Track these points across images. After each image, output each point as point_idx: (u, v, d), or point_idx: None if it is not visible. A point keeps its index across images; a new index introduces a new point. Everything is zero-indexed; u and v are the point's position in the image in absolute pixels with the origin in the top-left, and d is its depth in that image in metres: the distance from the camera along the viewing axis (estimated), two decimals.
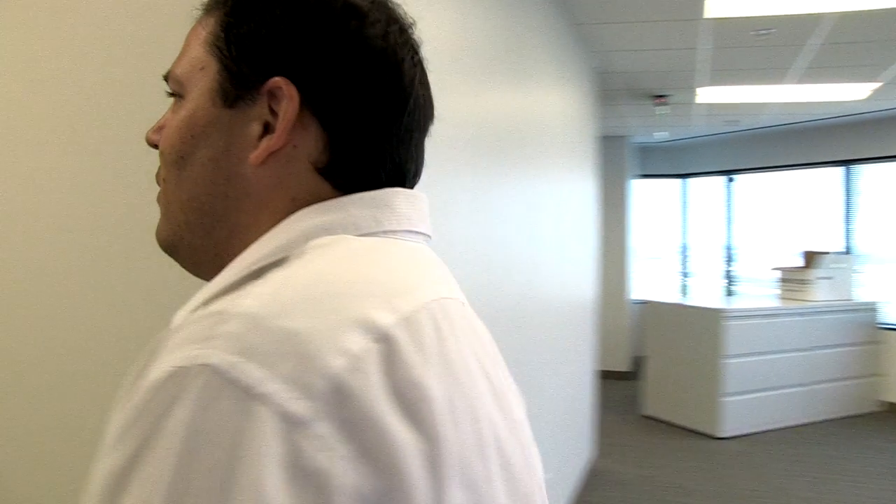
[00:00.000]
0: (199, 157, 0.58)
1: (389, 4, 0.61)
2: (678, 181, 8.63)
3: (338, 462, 0.37)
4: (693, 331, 5.57)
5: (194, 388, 0.38)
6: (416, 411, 0.41)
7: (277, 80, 0.55)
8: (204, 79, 0.58)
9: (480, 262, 2.43)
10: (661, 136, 8.06)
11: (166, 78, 0.61)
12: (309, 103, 0.56)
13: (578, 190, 4.49)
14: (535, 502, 0.53)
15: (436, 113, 0.65)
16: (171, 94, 0.61)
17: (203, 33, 0.59)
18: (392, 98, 0.58)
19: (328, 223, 0.54)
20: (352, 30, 0.56)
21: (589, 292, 4.81)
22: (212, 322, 0.41)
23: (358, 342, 0.41)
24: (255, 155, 0.56)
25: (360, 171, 0.58)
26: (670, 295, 7.93)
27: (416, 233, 0.59)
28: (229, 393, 0.38)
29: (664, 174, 8.62)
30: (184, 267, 0.62)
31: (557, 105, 3.88)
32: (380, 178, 0.58)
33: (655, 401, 5.84)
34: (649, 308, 6.13)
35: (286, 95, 0.55)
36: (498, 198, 2.69)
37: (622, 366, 7.51)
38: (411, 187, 0.62)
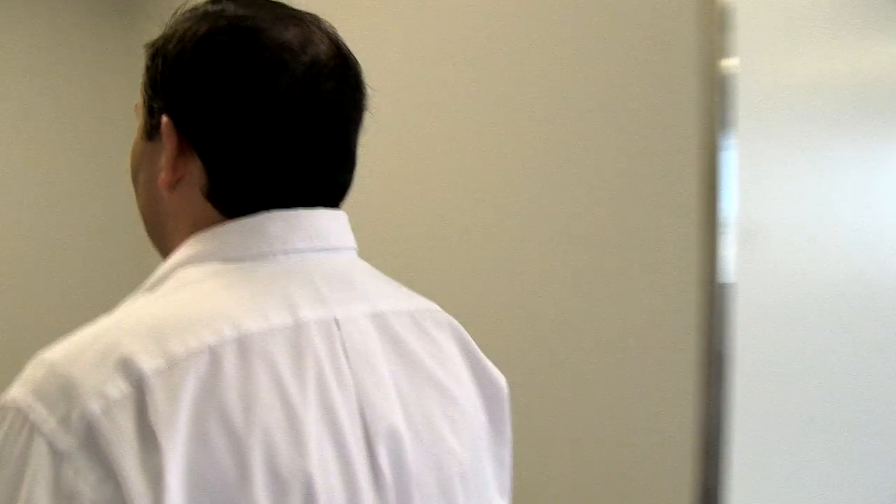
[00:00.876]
0: (140, 179, 0.70)
1: (260, 25, 0.63)
2: None
3: (88, 485, 0.48)
4: None
5: (6, 421, 0.51)
6: (148, 454, 0.49)
7: (164, 118, 0.64)
8: (139, 115, 0.69)
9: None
10: None
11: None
12: (186, 136, 0.64)
13: None
14: None
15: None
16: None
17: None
18: (266, 126, 0.62)
19: (201, 252, 0.63)
20: (217, 67, 0.62)
21: None
22: (33, 367, 0.53)
23: (117, 388, 0.51)
24: (160, 184, 0.66)
25: (239, 196, 0.64)
26: None
27: (297, 251, 0.64)
28: (25, 428, 0.50)
29: None
30: None
31: None
32: (264, 200, 0.64)
33: None
34: None
35: (166, 132, 0.64)
36: None
37: None
38: (321, 197, 0.67)
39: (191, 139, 0.64)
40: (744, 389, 1.29)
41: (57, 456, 0.49)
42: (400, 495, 0.62)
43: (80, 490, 0.48)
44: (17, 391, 0.52)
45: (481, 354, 0.76)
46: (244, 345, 0.56)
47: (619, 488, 1.42)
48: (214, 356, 0.54)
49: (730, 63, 1.28)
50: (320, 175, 0.66)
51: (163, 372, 0.52)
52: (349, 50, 0.70)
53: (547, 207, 1.54)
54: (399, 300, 0.71)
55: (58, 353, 0.53)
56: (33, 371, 0.53)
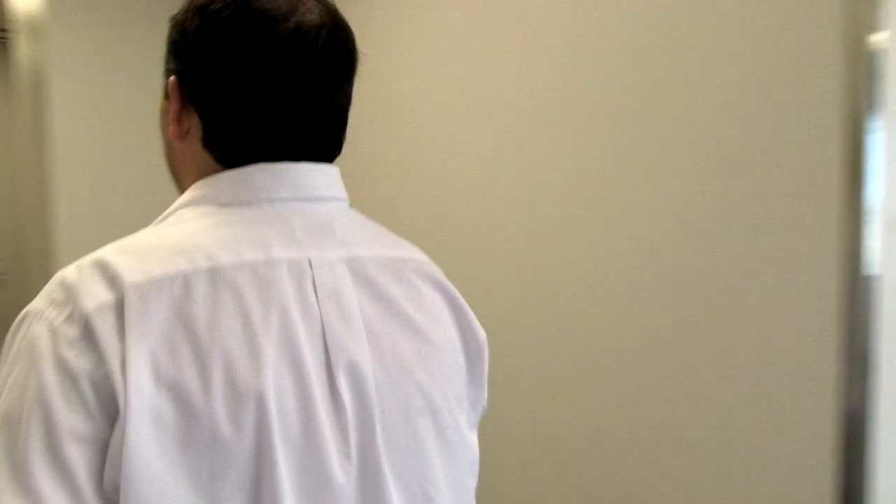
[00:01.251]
0: (163, 134, 0.79)
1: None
2: None
3: (86, 366, 0.60)
4: None
5: (26, 321, 0.64)
6: (124, 349, 0.60)
7: (171, 79, 0.74)
8: (163, 79, 0.77)
9: None
10: None
11: None
12: (187, 93, 0.72)
13: None
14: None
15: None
16: None
17: None
18: (250, 85, 0.70)
19: (198, 196, 0.72)
20: (212, 31, 0.70)
21: None
22: (50, 282, 0.66)
23: (106, 295, 0.62)
24: (170, 135, 0.76)
25: (230, 148, 0.72)
26: None
27: (280, 200, 0.72)
28: (42, 324, 0.62)
29: None
30: None
31: None
32: (252, 153, 0.71)
33: None
34: None
35: (171, 89, 0.73)
36: None
37: None
38: (311, 149, 0.74)
39: (190, 95, 0.72)
40: (890, 387, 1.22)
41: (64, 343, 0.61)
42: (361, 424, 0.68)
43: (80, 369, 0.60)
44: (37, 301, 0.66)
45: (467, 308, 0.82)
46: (215, 274, 0.65)
47: (758, 489, 1.37)
48: (187, 281, 0.64)
49: (878, 38, 1.19)
50: (304, 132, 0.72)
51: (141, 286, 0.62)
52: (341, 18, 0.75)
53: (681, 197, 1.47)
54: (381, 248, 0.77)
55: (68, 270, 0.66)
56: (49, 285, 0.66)
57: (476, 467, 0.84)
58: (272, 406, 0.63)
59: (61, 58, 2.56)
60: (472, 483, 0.82)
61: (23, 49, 2.62)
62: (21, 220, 3.09)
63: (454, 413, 0.77)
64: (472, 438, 0.83)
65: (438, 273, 0.81)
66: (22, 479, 0.58)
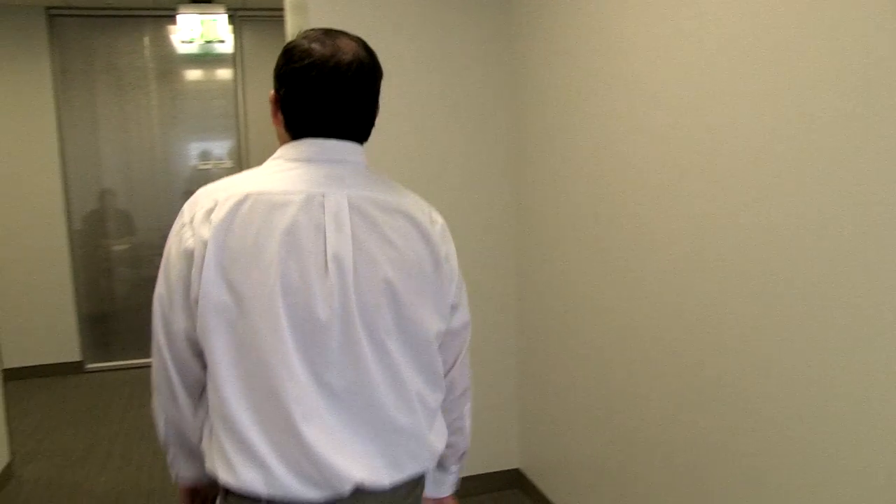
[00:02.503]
0: (273, 119, 1.32)
1: (313, 47, 1.22)
2: None
3: (190, 241, 1.17)
4: None
5: (179, 217, 1.24)
6: (212, 226, 1.15)
7: (271, 93, 1.28)
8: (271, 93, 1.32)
9: None
10: None
11: None
12: (279, 101, 1.27)
13: None
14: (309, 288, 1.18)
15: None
16: None
17: None
18: (306, 96, 1.22)
19: (278, 154, 1.27)
20: (294, 63, 1.22)
21: None
22: (194, 194, 1.25)
23: (211, 199, 1.18)
24: (273, 122, 1.31)
25: (295, 130, 1.26)
26: None
27: (317, 161, 1.24)
28: (181, 217, 1.22)
29: None
30: None
31: None
32: (305, 132, 1.25)
33: None
34: None
35: (272, 99, 1.29)
36: None
37: None
38: (340, 133, 1.25)
39: (280, 102, 1.27)
40: None
41: (184, 227, 1.20)
42: (341, 289, 1.18)
43: (189, 243, 1.18)
44: (184, 205, 1.24)
45: (433, 237, 1.27)
46: (257, 198, 1.18)
47: None
48: (244, 200, 1.18)
49: None
50: (336, 122, 1.24)
51: (221, 202, 1.18)
52: (366, 55, 1.25)
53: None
54: (376, 193, 1.25)
55: (199, 190, 1.24)
56: (191, 197, 1.24)
57: (434, 346, 1.28)
58: (282, 270, 1.16)
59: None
60: (433, 346, 1.28)
61: (290, 24, 3.28)
62: None
63: (411, 297, 1.23)
64: (435, 325, 1.27)
65: (417, 213, 1.27)
66: (160, 280, 1.23)
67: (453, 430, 1.44)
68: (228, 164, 5.71)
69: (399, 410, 1.22)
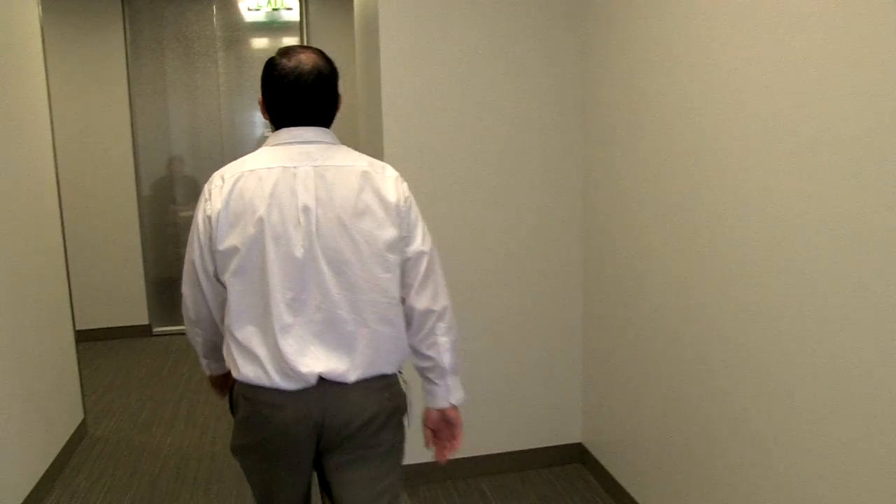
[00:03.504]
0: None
1: (287, 60, 1.64)
2: None
3: (208, 209, 1.65)
4: None
5: (205, 187, 1.70)
6: (221, 197, 1.63)
7: (259, 97, 1.72)
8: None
9: None
10: None
11: None
12: (264, 101, 1.69)
13: None
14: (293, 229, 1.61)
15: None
16: None
17: None
18: (280, 98, 1.65)
19: (266, 142, 1.70)
20: (271, 75, 1.65)
21: None
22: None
23: (220, 178, 1.65)
24: (263, 116, 1.74)
25: (275, 121, 1.69)
26: None
27: (290, 143, 1.66)
28: (202, 194, 1.69)
29: None
30: None
31: None
32: (284, 122, 1.68)
33: None
34: None
35: (259, 102, 1.72)
36: None
37: None
38: (307, 122, 1.67)
39: (265, 102, 1.69)
40: None
41: (205, 201, 1.65)
42: (307, 232, 1.59)
43: (208, 211, 1.63)
44: (205, 185, 1.68)
45: (381, 185, 1.67)
46: (252, 173, 1.62)
47: None
48: (241, 176, 1.62)
49: None
50: (302, 115, 1.66)
51: (226, 179, 1.63)
52: (324, 64, 1.66)
53: None
54: (337, 161, 1.66)
55: (215, 173, 1.68)
56: (210, 178, 1.69)
57: (387, 265, 1.66)
58: (267, 221, 1.59)
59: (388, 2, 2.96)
60: (379, 270, 1.65)
61: None
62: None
63: (363, 234, 1.63)
64: (385, 236, 1.65)
65: (369, 169, 1.67)
66: (192, 239, 1.69)
67: (427, 346, 1.74)
68: None
69: (356, 325, 1.65)
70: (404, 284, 1.71)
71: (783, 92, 1.85)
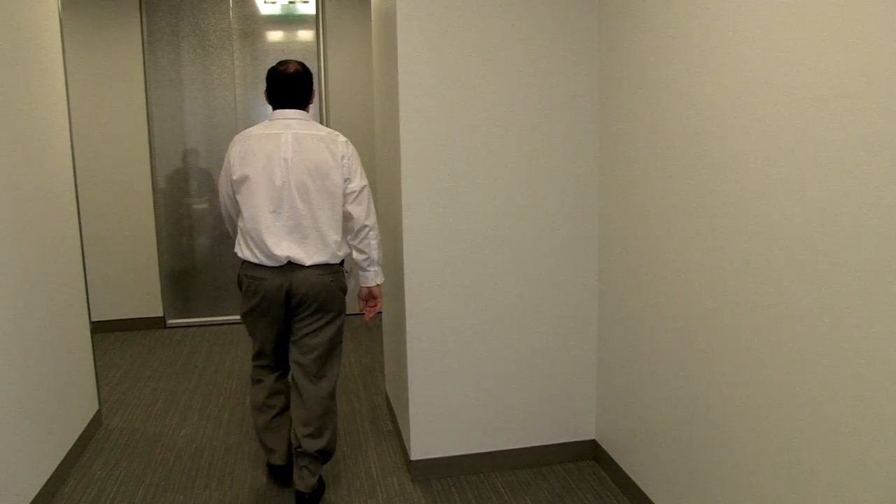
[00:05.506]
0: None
1: (284, 63, 2.86)
2: None
3: (230, 155, 2.85)
4: None
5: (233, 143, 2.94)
6: (237, 150, 2.83)
7: (265, 89, 2.92)
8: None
9: None
10: None
11: None
12: (267, 92, 2.89)
13: None
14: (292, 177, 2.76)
15: None
16: None
17: None
18: (275, 90, 2.85)
19: (268, 117, 2.87)
20: (271, 75, 2.87)
21: None
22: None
23: (235, 141, 2.85)
24: (266, 100, 2.97)
25: (273, 104, 2.87)
26: None
27: (280, 120, 2.80)
28: (228, 150, 2.93)
29: None
30: None
31: None
32: (277, 105, 2.85)
33: None
34: None
35: (264, 92, 2.92)
36: None
37: None
38: (291, 106, 2.84)
39: (267, 92, 2.88)
40: None
41: (230, 153, 2.85)
42: (285, 172, 2.72)
43: (230, 159, 2.83)
44: (230, 143, 2.92)
45: (335, 148, 2.78)
46: (253, 136, 2.79)
47: None
48: (249, 136, 2.81)
49: None
50: (287, 101, 2.83)
51: (239, 139, 2.84)
52: (305, 69, 2.88)
53: None
54: (308, 130, 2.77)
55: (235, 136, 2.90)
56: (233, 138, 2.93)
57: (334, 194, 2.76)
58: (261, 164, 2.72)
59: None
60: (328, 196, 2.75)
61: None
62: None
63: (321, 173, 2.73)
64: (338, 182, 2.75)
65: (326, 136, 2.78)
66: (222, 175, 2.95)
67: (361, 248, 2.86)
68: None
69: (314, 230, 2.75)
70: (349, 206, 2.79)
71: (806, 92, 1.82)
